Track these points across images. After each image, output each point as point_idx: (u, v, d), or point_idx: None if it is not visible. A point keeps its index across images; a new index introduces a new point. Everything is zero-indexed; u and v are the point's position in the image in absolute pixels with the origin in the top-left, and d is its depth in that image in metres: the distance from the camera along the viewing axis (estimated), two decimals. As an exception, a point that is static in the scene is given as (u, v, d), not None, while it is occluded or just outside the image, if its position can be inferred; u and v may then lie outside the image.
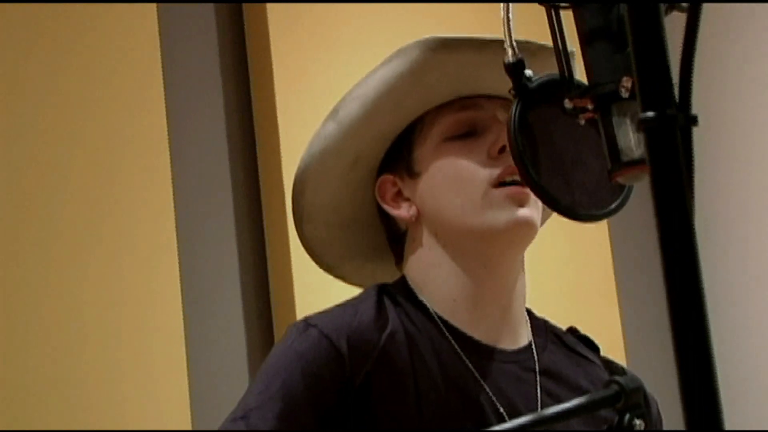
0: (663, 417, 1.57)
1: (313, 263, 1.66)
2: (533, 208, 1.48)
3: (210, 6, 2.72)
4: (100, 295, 2.37)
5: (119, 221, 2.43)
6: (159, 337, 2.41)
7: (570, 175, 1.18)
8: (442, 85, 1.50)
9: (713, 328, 0.78)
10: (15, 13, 2.40)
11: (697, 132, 0.83)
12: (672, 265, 0.78)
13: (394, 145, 1.55)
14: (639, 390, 1.07)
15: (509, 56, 1.15)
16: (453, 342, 1.48)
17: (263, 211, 2.65)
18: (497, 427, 1.23)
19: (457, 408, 1.44)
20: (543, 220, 1.54)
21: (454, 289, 1.50)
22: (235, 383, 2.49)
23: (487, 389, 1.46)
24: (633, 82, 0.99)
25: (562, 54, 1.09)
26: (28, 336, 2.30)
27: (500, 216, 1.47)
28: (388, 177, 1.56)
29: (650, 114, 0.80)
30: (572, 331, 1.61)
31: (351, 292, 1.63)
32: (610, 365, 1.59)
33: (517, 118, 1.13)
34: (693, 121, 0.83)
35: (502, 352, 1.50)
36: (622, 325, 2.95)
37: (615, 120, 1.01)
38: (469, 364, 1.47)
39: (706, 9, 0.87)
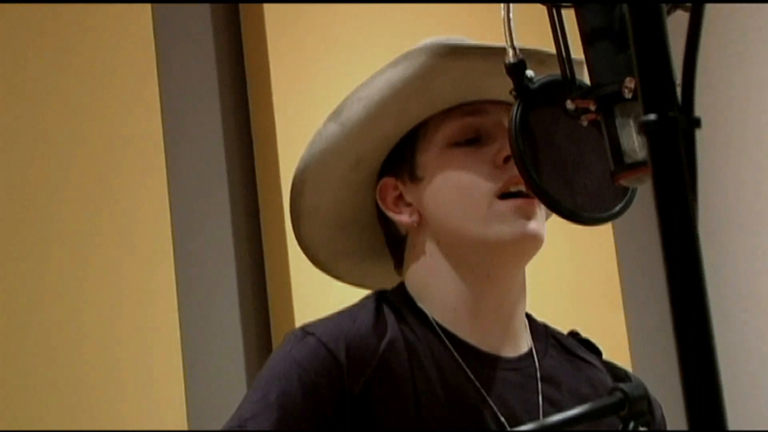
0: (668, 421, 1.55)
1: (310, 264, 1.65)
2: (540, 221, 1.47)
3: (206, 6, 2.71)
4: (96, 297, 2.36)
5: (115, 223, 2.42)
6: (156, 339, 2.41)
7: (572, 178, 1.17)
8: (448, 90, 1.49)
9: (717, 332, 0.77)
10: (8, 14, 2.38)
11: (700, 134, 0.82)
12: (675, 269, 0.78)
13: (396, 147, 1.54)
14: (643, 397, 1.06)
15: (510, 57, 1.14)
16: (453, 350, 1.46)
17: (260, 211, 2.64)
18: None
19: (456, 417, 1.42)
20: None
21: (454, 298, 1.49)
22: (232, 386, 2.48)
23: (488, 398, 1.45)
24: (636, 83, 0.97)
25: (563, 54, 1.08)
26: (26, 338, 2.29)
27: (506, 229, 1.45)
28: (389, 180, 1.55)
29: (652, 116, 0.79)
30: (573, 334, 1.60)
31: (349, 293, 1.62)
32: (612, 369, 1.57)
33: (518, 120, 1.12)
34: (696, 123, 0.81)
35: (503, 359, 1.49)
36: (627, 328, 2.93)
37: (618, 121, 1.00)
38: (470, 373, 1.45)
39: (710, 8, 0.86)
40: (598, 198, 1.19)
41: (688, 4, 0.90)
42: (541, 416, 1.44)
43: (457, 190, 1.48)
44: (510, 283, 1.50)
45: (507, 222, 1.45)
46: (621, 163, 1.00)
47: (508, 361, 1.49)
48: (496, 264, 1.48)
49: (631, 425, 1.08)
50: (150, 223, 2.45)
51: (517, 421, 1.42)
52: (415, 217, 1.52)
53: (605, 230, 2.92)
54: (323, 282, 1.69)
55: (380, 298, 1.50)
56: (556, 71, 1.11)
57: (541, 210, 1.46)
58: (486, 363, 1.47)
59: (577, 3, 1.04)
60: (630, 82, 0.99)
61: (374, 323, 1.45)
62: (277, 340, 2.54)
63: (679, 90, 0.82)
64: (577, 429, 1.10)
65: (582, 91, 1.04)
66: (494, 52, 1.41)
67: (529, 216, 1.45)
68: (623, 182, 1.01)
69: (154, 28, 2.53)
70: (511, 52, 1.14)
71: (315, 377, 1.40)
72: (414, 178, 1.52)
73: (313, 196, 1.56)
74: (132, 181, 2.45)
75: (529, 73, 1.14)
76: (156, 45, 2.52)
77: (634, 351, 2.91)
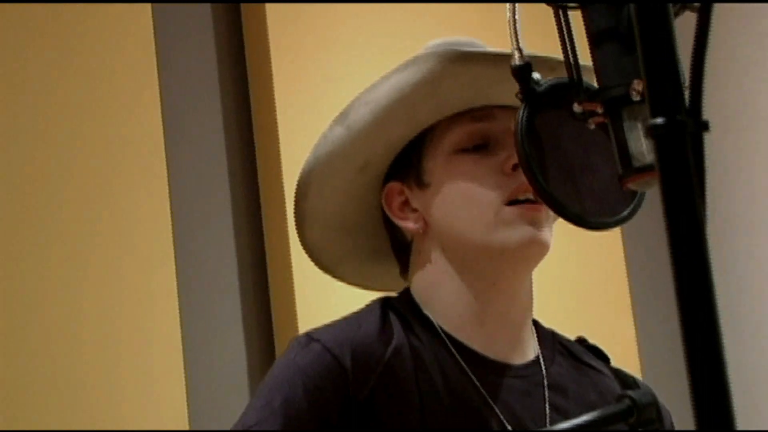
0: (678, 428, 1.54)
1: (314, 267, 1.64)
2: (546, 227, 1.45)
3: (207, 6, 2.70)
4: (96, 298, 2.36)
5: (115, 223, 2.42)
6: (157, 340, 2.40)
7: (579, 182, 1.16)
8: (456, 96, 1.47)
9: (726, 336, 0.77)
10: (8, 14, 2.38)
11: (708, 137, 0.81)
12: (683, 274, 0.77)
13: (403, 152, 1.53)
14: (652, 404, 1.05)
15: (516, 59, 1.13)
16: (458, 357, 1.45)
17: (262, 211, 2.63)
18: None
19: (462, 424, 1.41)
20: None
21: (460, 305, 1.48)
22: (233, 387, 2.48)
23: (494, 405, 1.43)
24: (644, 86, 0.96)
25: (570, 56, 1.07)
26: (26, 338, 2.29)
27: (513, 235, 1.44)
28: (395, 185, 1.53)
29: (659, 120, 0.79)
30: (581, 341, 1.59)
31: (352, 296, 1.61)
32: (620, 376, 1.56)
33: (524, 123, 1.11)
34: (704, 127, 0.80)
35: (509, 367, 1.47)
36: (636, 334, 2.91)
37: (626, 124, 1.00)
38: (475, 380, 1.44)
39: (718, 9, 0.84)
40: (605, 202, 1.18)
41: (696, 5, 0.89)
42: (547, 424, 1.43)
43: (464, 198, 1.47)
44: (516, 290, 1.48)
45: (513, 228, 1.44)
46: (629, 167, 0.99)
47: (515, 368, 1.47)
48: (501, 271, 1.47)
49: (640, 433, 1.07)
50: (150, 224, 2.45)
51: (523, 429, 1.41)
52: (420, 224, 1.50)
53: (613, 235, 2.89)
54: (326, 283, 1.69)
55: (386, 304, 1.48)
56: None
57: (548, 216, 1.45)
58: (492, 370, 1.46)
59: (584, 4, 1.03)
60: (638, 85, 0.98)
61: (380, 329, 1.44)
62: (279, 341, 2.54)
63: (687, 93, 0.81)
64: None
65: (589, 94, 1.03)
66: (504, 59, 1.40)
67: (535, 222, 1.44)
68: (631, 186, 1.00)
69: (154, 28, 2.52)
70: (517, 54, 1.13)
71: (320, 383, 1.39)
72: (420, 183, 1.51)
73: (317, 198, 1.55)
74: (132, 182, 2.45)
75: (536, 75, 1.13)
76: (156, 45, 2.52)
77: (643, 357, 2.89)
